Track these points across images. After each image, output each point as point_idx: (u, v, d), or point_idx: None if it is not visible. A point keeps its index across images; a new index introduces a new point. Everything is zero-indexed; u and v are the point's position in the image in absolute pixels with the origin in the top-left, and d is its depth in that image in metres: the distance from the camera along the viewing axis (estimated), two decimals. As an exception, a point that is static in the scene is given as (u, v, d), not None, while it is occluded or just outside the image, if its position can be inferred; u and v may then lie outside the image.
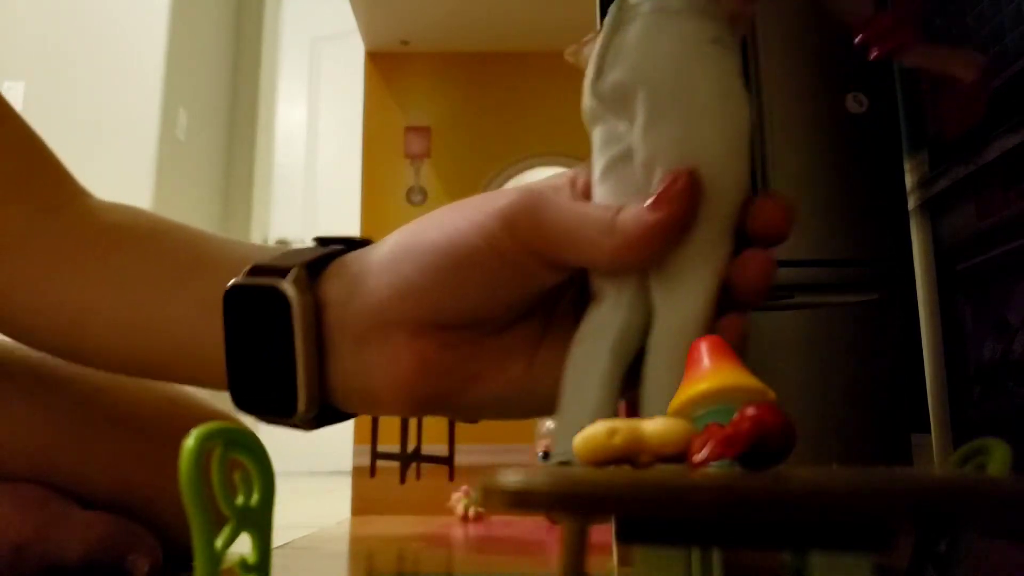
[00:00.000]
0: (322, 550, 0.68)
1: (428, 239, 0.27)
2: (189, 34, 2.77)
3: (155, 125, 2.53)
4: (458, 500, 1.11)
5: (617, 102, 0.24)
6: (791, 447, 0.17)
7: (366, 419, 1.21)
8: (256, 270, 0.29)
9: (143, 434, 0.50)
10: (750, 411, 0.17)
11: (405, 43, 1.36)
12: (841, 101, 0.85)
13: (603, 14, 0.57)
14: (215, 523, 0.20)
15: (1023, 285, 0.78)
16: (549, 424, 1.15)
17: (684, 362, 0.21)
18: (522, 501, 0.13)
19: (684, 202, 0.23)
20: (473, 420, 0.30)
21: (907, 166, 0.91)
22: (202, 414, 0.53)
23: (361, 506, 1.18)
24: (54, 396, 0.49)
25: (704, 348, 0.28)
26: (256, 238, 3.12)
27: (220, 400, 0.57)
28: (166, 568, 0.48)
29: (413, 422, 1.21)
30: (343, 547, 0.72)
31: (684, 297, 0.24)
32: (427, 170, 1.34)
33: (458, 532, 0.89)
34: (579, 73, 0.27)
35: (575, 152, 1.33)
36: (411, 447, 1.21)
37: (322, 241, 0.32)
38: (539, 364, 0.28)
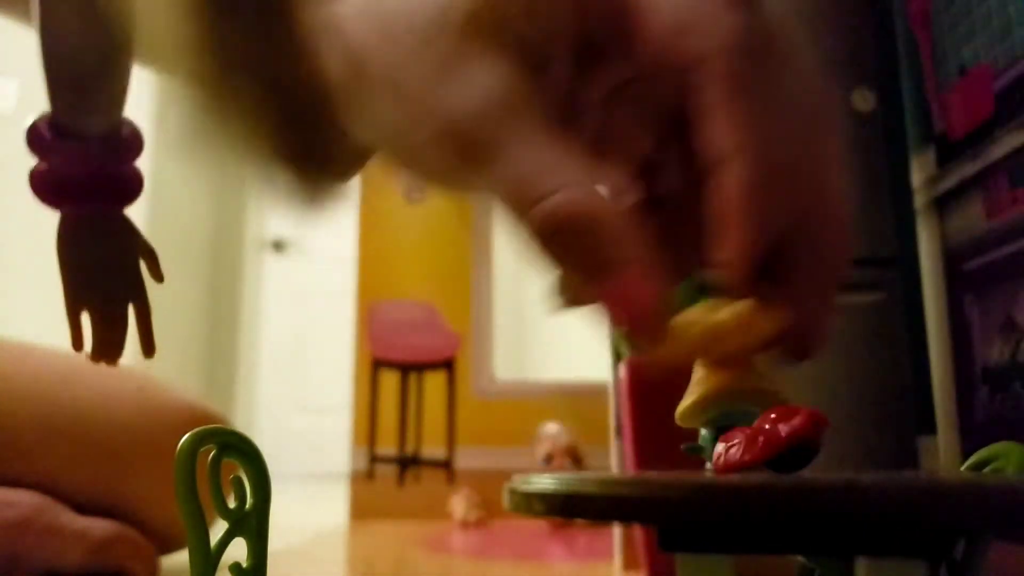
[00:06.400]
0: (318, 555, 0.66)
1: None
2: (184, 34, 2.76)
3: (149, 122, 2.52)
4: (458, 504, 1.10)
5: None
6: (818, 452, 0.17)
7: (364, 421, 1.19)
8: None
9: (112, 427, 0.50)
10: (787, 417, 0.17)
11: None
12: (848, 99, 0.84)
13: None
14: (209, 527, 0.19)
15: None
16: (549, 427, 1.14)
17: None
18: (565, 508, 0.12)
19: None
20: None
21: (914, 164, 0.90)
22: (171, 403, 0.53)
23: (359, 510, 1.16)
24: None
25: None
26: (251, 237, 3.10)
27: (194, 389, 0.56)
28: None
29: (412, 425, 1.20)
30: (340, 552, 0.70)
31: None
32: (425, 169, 1.33)
33: (458, 537, 0.88)
34: None
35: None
36: (410, 450, 1.19)
37: None
38: None
